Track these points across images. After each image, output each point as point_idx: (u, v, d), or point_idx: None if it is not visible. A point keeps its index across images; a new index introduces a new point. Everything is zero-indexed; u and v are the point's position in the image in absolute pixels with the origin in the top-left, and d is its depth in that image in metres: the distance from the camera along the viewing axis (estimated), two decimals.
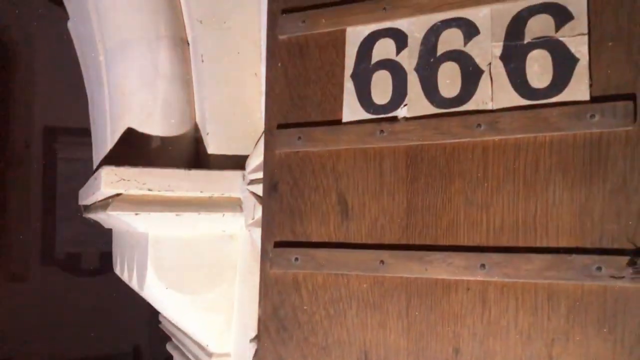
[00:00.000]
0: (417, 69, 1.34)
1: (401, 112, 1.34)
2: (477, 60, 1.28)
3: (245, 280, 1.91)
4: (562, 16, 1.22)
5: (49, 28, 5.12)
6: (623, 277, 1.11)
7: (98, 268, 5.71)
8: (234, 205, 1.87)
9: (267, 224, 1.46)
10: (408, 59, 1.35)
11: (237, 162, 1.91)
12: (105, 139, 2.10)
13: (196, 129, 2.01)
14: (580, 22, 1.20)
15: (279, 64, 1.49)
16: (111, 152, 1.95)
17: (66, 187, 5.40)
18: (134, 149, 1.92)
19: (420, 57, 1.34)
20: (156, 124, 1.94)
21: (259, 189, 1.69)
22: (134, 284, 2.11)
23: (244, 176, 1.87)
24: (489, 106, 1.26)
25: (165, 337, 2.90)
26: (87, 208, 2.26)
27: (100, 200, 1.96)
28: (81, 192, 2.28)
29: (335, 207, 1.39)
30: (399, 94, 1.35)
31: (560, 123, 1.18)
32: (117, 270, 2.42)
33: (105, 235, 2.58)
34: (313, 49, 1.46)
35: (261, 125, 1.89)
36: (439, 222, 1.28)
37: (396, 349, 1.29)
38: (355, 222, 1.36)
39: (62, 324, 5.46)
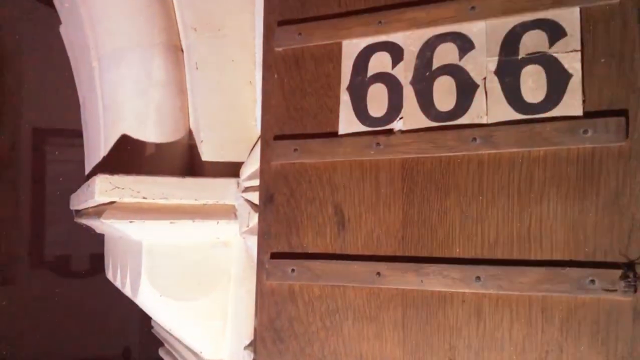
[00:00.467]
0: (412, 83, 1.35)
1: (397, 125, 1.36)
2: (472, 74, 1.30)
3: (240, 287, 1.91)
4: (556, 32, 1.23)
5: (38, 29, 5.07)
6: (616, 290, 1.12)
7: (88, 270, 5.67)
8: (228, 212, 1.87)
9: (263, 235, 1.46)
10: (404, 73, 1.37)
11: (231, 170, 1.91)
12: (98, 146, 2.09)
13: (190, 136, 2.01)
14: (574, 38, 1.22)
15: (275, 76, 1.49)
16: (105, 159, 1.95)
17: (55, 188, 5.35)
18: (128, 157, 1.92)
19: (416, 70, 1.35)
20: (150, 132, 1.94)
21: (253, 196, 1.70)
22: (127, 291, 2.11)
23: (238, 184, 1.87)
24: (484, 120, 1.27)
25: (156, 339, 2.89)
26: (79, 213, 2.25)
27: (94, 207, 1.96)
28: (73, 197, 2.26)
29: (331, 218, 1.39)
30: (395, 107, 1.36)
31: (554, 138, 1.20)
32: (110, 276, 2.41)
33: (96, 238, 2.56)
34: (309, 61, 1.47)
35: (255, 133, 1.90)
36: (435, 234, 1.29)
37: None
38: (351, 234, 1.37)
39: (51, 326, 5.42)
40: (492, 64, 1.28)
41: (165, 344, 2.73)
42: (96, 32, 2.02)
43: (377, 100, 1.38)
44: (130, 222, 1.80)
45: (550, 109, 1.22)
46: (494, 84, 1.27)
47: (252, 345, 1.59)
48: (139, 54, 1.95)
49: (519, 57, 1.26)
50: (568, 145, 1.19)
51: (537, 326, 1.19)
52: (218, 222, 1.87)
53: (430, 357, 1.27)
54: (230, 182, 1.87)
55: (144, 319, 2.98)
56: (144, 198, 1.78)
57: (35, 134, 5.54)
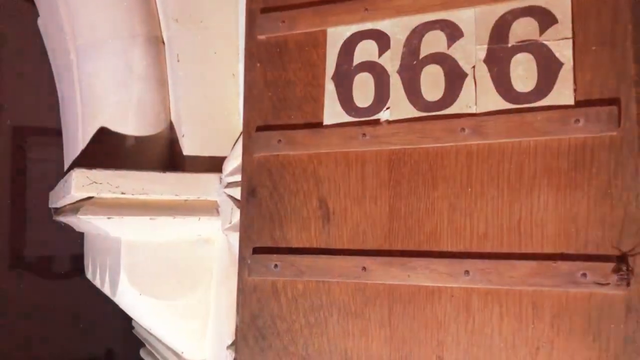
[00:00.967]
0: (399, 72, 1.31)
1: (383, 116, 1.32)
2: (461, 63, 1.26)
3: (222, 286, 1.87)
4: (547, 20, 1.20)
5: (18, 25, 4.98)
6: (608, 283, 1.09)
7: (70, 271, 5.58)
8: (211, 209, 1.83)
9: (246, 230, 1.41)
10: (390, 61, 1.33)
11: (213, 165, 1.87)
12: (76, 141, 2.03)
13: (171, 130, 1.96)
14: (565, 26, 1.19)
15: (258, 65, 1.45)
16: (82, 153, 1.89)
17: (36, 188, 5.25)
18: (107, 151, 1.87)
19: (403, 59, 1.32)
20: (130, 125, 1.89)
21: (236, 192, 1.65)
22: (106, 290, 2.05)
23: (220, 179, 1.82)
24: (473, 110, 1.24)
25: (139, 341, 2.84)
26: (57, 211, 2.20)
27: (71, 204, 1.90)
28: (51, 194, 2.21)
29: (316, 212, 1.35)
30: (382, 97, 1.32)
31: (545, 128, 1.17)
32: (89, 275, 2.35)
33: (77, 238, 2.51)
34: (293, 49, 1.42)
35: (239, 127, 1.85)
36: (422, 227, 1.26)
37: (378, 358, 1.26)
38: (336, 228, 1.33)
39: (33, 328, 5.32)
40: (482, 52, 1.25)
41: (147, 345, 2.68)
42: (74, 23, 1.96)
43: (363, 89, 1.34)
44: (109, 218, 1.75)
45: (541, 98, 1.19)
46: (483, 73, 1.24)
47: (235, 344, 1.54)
48: (118, 46, 1.90)
49: (509, 45, 1.23)
50: (559, 136, 1.16)
51: (527, 321, 1.15)
52: (200, 219, 1.83)
53: (418, 354, 1.23)
54: (213, 177, 1.83)
55: (127, 320, 2.92)
56: (122, 193, 1.73)
57: (16, 133, 5.44)
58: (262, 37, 1.45)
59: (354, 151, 1.33)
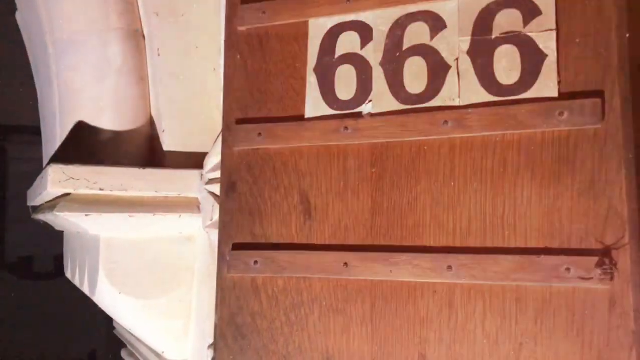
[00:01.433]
0: (382, 64, 1.29)
1: (366, 108, 1.29)
2: (444, 55, 1.24)
3: (204, 284, 1.84)
4: (531, 11, 1.19)
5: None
6: (591, 278, 1.08)
7: (52, 272, 5.51)
8: (192, 205, 1.81)
9: (225, 226, 1.38)
10: (373, 53, 1.30)
11: (194, 161, 1.84)
12: (54, 137, 2.00)
13: (151, 125, 1.93)
14: (549, 17, 1.17)
15: (238, 57, 1.42)
16: (60, 149, 1.85)
17: (17, 187, 5.17)
18: (85, 147, 1.83)
19: (386, 51, 1.29)
20: (108, 121, 1.86)
21: (217, 188, 1.62)
22: (85, 289, 2.02)
23: (202, 175, 1.80)
24: (456, 103, 1.22)
25: (122, 342, 2.80)
26: (36, 209, 2.15)
27: (49, 201, 1.86)
28: (30, 192, 2.17)
29: (297, 207, 1.32)
30: (364, 90, 1.30)
31: (528, 120, 1.15)
32: (69, 275, 2.32)
33: (59, 238, 2.47)
34: (274, 41, 1.39)
35: (220, 122, 1.82)
36: (405, 222, 1.23)
37: (360, 355, 1.24)
38: (318, 223, 1.30)
39: (15, 329, 5.26)
40: (465, 44, 1.23)
41: (128, 346, 2.63)
42: (51, 16, 1.92)
43: (346, 82, 1.32)
44: (87, 215, 1.72)
45: (525, 91, 1.17)
46: (467, 65, 1.22)
47: None
48: (97, 39, 1.87)
49: (493, 37, 1.21)
50: (543, 129, 1.14)
51: (511, 317, 1.14)
52: (180, 216, 1.80)
53: (400, 351, 1.20)
54: (193, 173, 1.80)
55: (111, 322, 2.89)
56: (101, 190, 1.70)
57: None
58: (242, 28, 1.42)
59: (335, 145, 1.30)
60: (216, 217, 1.63)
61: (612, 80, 1.12)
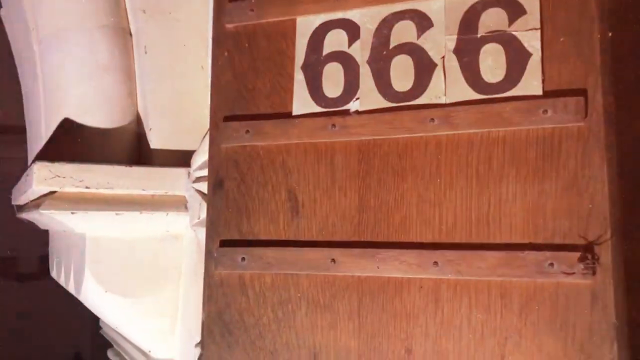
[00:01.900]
0: (369, 62, 1.30)
1: (353, 106, 1.30)
2: (431, 53, 1.25)
3: (191, 283, 1.83)
4: (515, 10, 1.20)
5: None
6: (574, 272, 1.09)
7: (36, 272, 5.45)
8: (179, 204, 1.80)
9: (212, 223, 1.38)
10: (360, 51, 1.31)
11: (182, 159, 1.83)
12: (40, 135, 1.98)
13: (139, 123, 1.92)
14: (533, 16, 1.19)
15: (226, 54, 1.42)
16: (45, 147, 1.83)
17: (1, 187, 5.12)
18: (70, 144, 1.82)
19: (373, 49, 1.30)
20: (95, 118, 1.84)
21: (205, 187, 1.62)
22: (70, 288, 2.00)
23: (189, 173, 1.79)
24: (442, 100, 1.23)
25: (108, 344, 2.78)
26: (21, 208, 2.13)
27: (34, 200, 1.85)
28: (14, 190, 2.14)
29: (284, 204, 1.33)
30: (351, 87, 1.31)
31: (513, 118, 1.16)
32: (54, 274, 2.29)
33: (44, 238, 2.44)
34: (262, 38, 1.40)
35: (207, 121, 1.82)
36: (392, 219, 1.24)
37: (347, 351, 1.24)
38: (305, 220, 1.31)
39: None
40: (451, 42, 1.24)
41: (114, 345, 2.62)
42: (37, 12, 1.91)
43: (333, 80, 1.33)
44: (72, 213, 1.71)
45: (509, 89, 1.19)
46: (453, 63, 1.23)
47: None
48: (83, 36, 1.85)
49: (478, 35, 1.22)
50: (527, 126, 1.16)
51: (496, 312, 1.15)
52: (167, 214, 1.80)
53: (387, 346, 1.21)
54: (181, 172, 1.80)
55: (96, 323, 2.86)
56: (87, 187, 1.69)
57: None
58: (230, 26, 1.42)
59: (323, 142, 1.31)
60: (203, 215, 1.63)
61: (594, 78, 1.14)
